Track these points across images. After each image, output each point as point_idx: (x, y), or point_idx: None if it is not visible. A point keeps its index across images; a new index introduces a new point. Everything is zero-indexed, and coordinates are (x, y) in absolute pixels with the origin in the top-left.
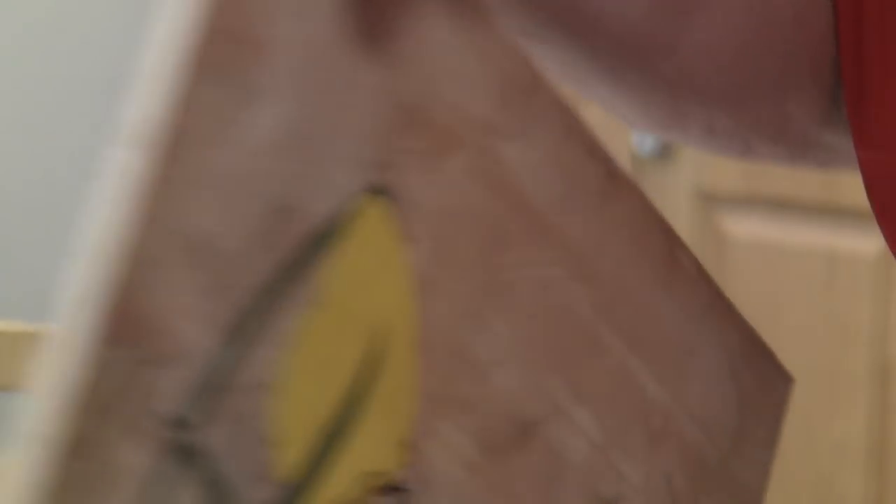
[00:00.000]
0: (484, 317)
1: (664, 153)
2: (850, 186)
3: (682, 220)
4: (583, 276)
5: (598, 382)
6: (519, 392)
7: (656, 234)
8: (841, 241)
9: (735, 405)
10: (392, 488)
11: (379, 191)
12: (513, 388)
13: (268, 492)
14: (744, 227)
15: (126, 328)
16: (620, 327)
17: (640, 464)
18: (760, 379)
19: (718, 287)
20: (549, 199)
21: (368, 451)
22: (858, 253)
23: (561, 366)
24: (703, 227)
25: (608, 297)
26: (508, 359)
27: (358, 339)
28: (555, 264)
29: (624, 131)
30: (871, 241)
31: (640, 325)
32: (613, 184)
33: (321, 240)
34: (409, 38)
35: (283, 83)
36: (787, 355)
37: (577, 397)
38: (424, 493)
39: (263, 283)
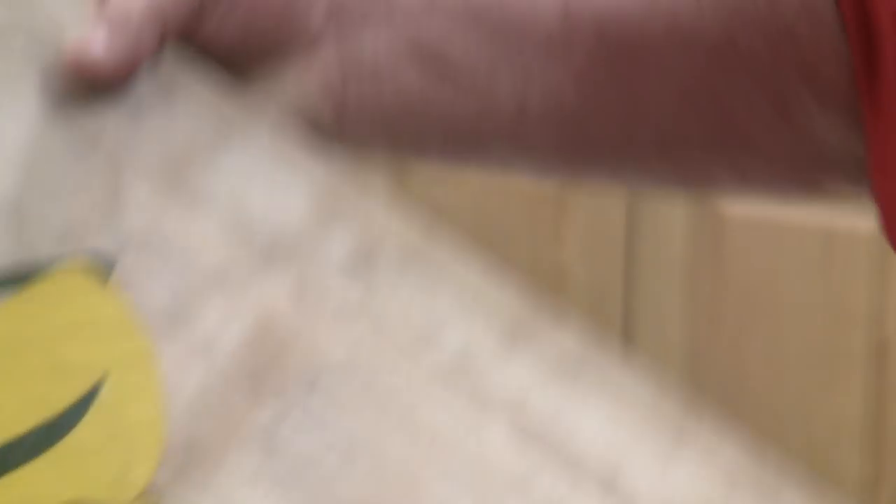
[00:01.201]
0: None
1: None
2: None
3: (679, 201)
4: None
5: None
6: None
7: None
8: (837, 220)
9: None
10: None
11: (95, 257)
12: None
13: None
14: (740, 207)
15: None
16: None
17: None
18: None
19: None
20: None
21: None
22: (855, 232)
23: None
24: (699, 207)
25: None
26: None
27: (47, 382)
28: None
29: None
30: (867, 220)
31: None
32: None
33: None
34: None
35: None
36: (784, 334)
37: None
38: None
39: None
